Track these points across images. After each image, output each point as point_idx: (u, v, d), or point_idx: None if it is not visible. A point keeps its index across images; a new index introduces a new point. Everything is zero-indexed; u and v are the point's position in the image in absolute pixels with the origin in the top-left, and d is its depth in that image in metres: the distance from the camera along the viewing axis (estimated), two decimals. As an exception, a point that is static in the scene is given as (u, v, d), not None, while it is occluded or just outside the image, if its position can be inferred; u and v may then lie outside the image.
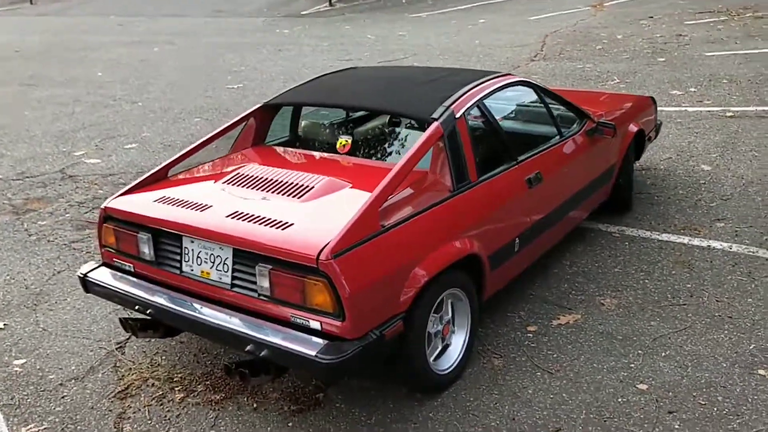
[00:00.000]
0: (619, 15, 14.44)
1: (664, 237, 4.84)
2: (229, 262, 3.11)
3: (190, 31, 16.99)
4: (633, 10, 14.81)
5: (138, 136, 8.47)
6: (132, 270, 3.50)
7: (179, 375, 3.60)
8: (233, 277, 3.10)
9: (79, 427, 3.24)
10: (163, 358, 3.78)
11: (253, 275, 3.02)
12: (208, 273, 3.19)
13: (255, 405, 3.33)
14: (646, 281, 4.27)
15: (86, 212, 6.04)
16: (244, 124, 4.24)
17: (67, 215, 5.98)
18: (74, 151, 7.90)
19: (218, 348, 3.83)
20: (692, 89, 8.55)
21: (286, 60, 12.55)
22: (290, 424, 3.18)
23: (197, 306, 3.20)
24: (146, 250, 3.38)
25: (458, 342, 3.42)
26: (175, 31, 16.89)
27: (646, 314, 3.91)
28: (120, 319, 3.43)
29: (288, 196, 3.29)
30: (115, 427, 3.23)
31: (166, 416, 3.29)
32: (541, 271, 4.40)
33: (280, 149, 4.17)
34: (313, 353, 2.77)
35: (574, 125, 4.46)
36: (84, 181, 6.85)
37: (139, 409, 3.35)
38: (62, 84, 11.56)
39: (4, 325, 4.20)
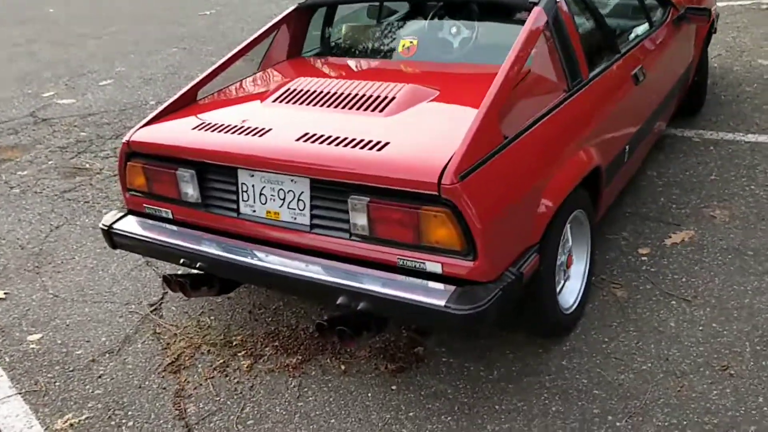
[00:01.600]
0: None
1: (751, 138, 4.29)
2: (306, 197, 2.45)
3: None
4: None
5: (111, 71, 7.58)
6: (170, 216, 2.82)
7: (238, 337, 2.98)
8: (313, 217, 2.45)
9: (130, 413, 2.62)
10: (212, 318, 3.14)
11: (343, 211, 2.37)
12: (276, 213, 2.53)
13: (343, 367, 2.73)
14: (752, 187, 3.73)
15: (72, 157, 5.26)
16: (274, 33, 3.49)
17: (51, 162, 5.19)
18: (42, 93, 7.01)
19: (276, 300, 3.20)
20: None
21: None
22: (394, 387, 2.60)
23: (263, 254, 2.55)
24: (190, 191, 2.70)
25: (578, 273, 2.85)
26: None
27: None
28: (164, 277, 2.76)
29: (364, 110, 2.62)
30: (176, 409, 2.62)
31: (236, 389, 2.68)
32: (628, 186, 3.83)
33: (323, 60, 3.46)
34: (442, 303, 2.16)
35: (660, 13, 3.81)
36: (61, 124, 6.02)
37: (200, 384, 2.73)
38: (13, 24, 10.41)
39: (5, 294, 3.50)
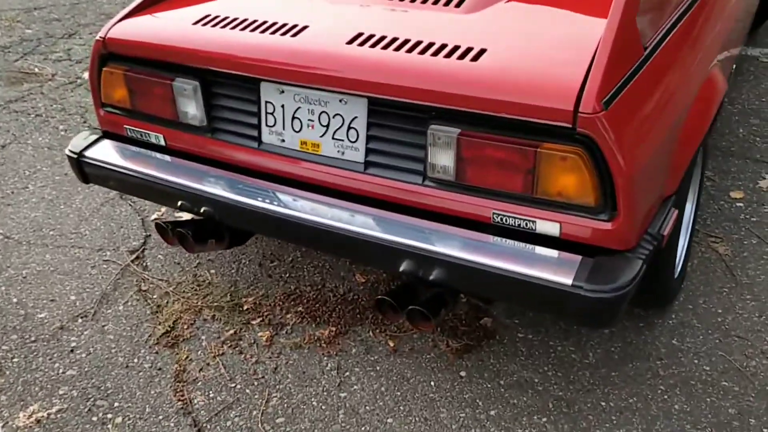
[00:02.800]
0: None
1: (829, 60, 3.72)
2: (362, 124, 1.78)
3: None
4: None
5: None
6: (162, 143, 2.12)
7: (248, 299, 2.34)
8: (370, 152, 1.79)
9: (116, 404, 1.99)
10: (212, 272, 2.48)
11: (416, 146, 1.72)
12: (315, 145, 1.86)
13: (392, 344, 2.13)
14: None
15: (16, 59, 4.38)
16: None
17: (-10, 65, 4.32)
18: (-25, -19, 5.93)
19: (291, 249, 2.56)
20: None
21: None
22: (463, 374, 2.02)
23: (294, 200, 1.90)
24: (191, 110, 2.00)
25: (684, 225, 2.27)
26: None
27: None
28: (157, 225, 2.08)
29: (433, 3, 1.93)
30: (178, 399, 1.99)
31: (255, 372, 2.06)
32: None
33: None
34: (568, 281, 1.55)
35: None
36: (2, 19, 5.07)
37: (207, 363, 2.10)
38: None
39: (-60, 232, 2.76)
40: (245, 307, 2.30)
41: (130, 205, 2.88)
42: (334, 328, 2.19)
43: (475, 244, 1.69)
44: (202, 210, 2.02)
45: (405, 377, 2.01)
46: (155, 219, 2.77)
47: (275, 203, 1.90)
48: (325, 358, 2.09)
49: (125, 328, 2.24)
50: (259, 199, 1.92)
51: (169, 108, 2.03)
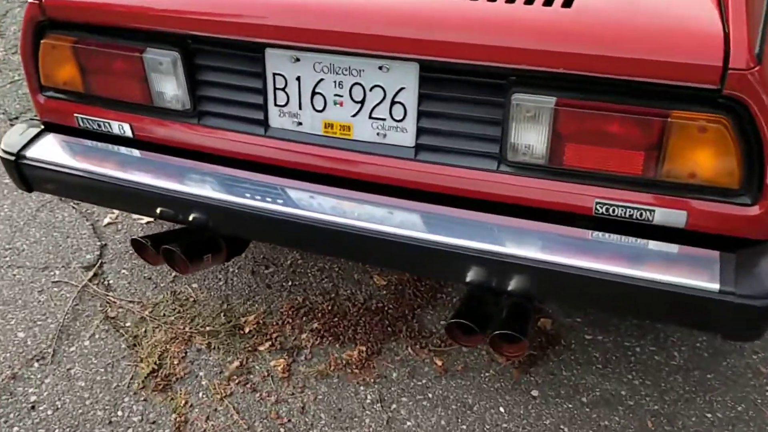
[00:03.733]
0: None
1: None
2: (410, 97, 1.37)
3: None
4: None
5: None
6: (129, 134, 1.64)
7: (249, 318, 1.91)
8: (423, 132, 1.38)
9: (102, 475, 1.54)
10: (195, 286, 2.03)
11: (489, 122, 1.33)
12: (345, 128, 1.44)
13: (439, 362, 1.76)
14: None
15: None
16: None
17: None
18: None
19: (289, 252, 2.13)
20: None
21: None
22: (536, 394, 1.67)
23: (320, 200, 1.48)
24: (170, 89, 1.54)
25: None
26: None
27: None
28: (134, 242, 1.61)
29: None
30: (185, 464, 1.56)
31: (278, 416, 1.65)
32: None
33: None
34: (715, 285, 1.20)
35: None
36: None
37: (214, 409, 1.67)
38: None
39: None
40: (247, 330, 1.87)
41: (73, 207, 2.37)
42: (363, 348, 1.79)
43: (573, 243, 1.33)
44: (190, 218, 1.57)
45: (466, 404, 1.64)
46: (108, 223, 2.28)
47: (293, 205, 1.47)
48: (362, 388, 1.70)
49: (98, 371, 1.78)
50: (270, 200, 1.49)
51: (137, 88, 1.56)
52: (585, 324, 1.83)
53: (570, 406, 1.62)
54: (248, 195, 1.50)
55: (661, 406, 1.61)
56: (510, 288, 1.36)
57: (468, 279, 1.38)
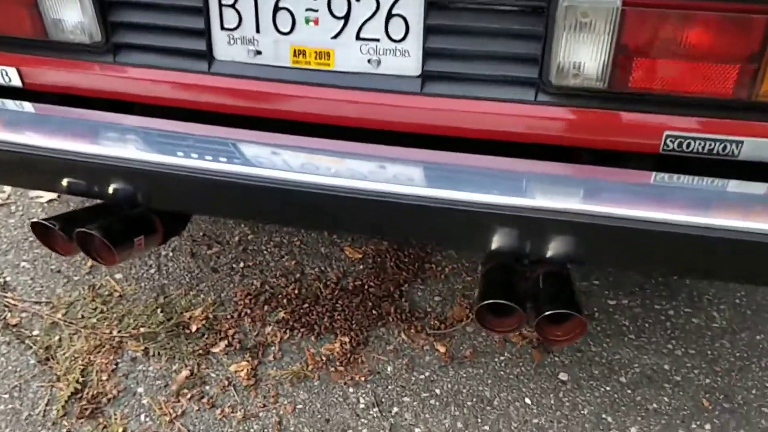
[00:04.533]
0: None
1: None
2: (413, 8, 1.00)
3: None
4: None
5: None
6: (17, 83, 1.21)
7: (195, 312, 1.52)
8: (430, 55, 1.02)
9: None
10: (119, 277, 1.61)
11: (523, 38, 0.99)
12: (323, 54, 1.06)
13: (442, 349, 1.43)
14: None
15: None
16: None
17: None
18: None
19: (233, 224, 1.74)
20: None
21: None
22: (565, 378, 1.38)
23: (294, 154, 1.11)
24: (71, 15, 1.11)
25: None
26: None
27: None
28: (35, 226, 1.19)
29: None
30: None
31: (246, 436, 1.29)
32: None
33: None
34: None
35: None
36: None
37: (160, 435, 1.29)
38: None
39: None
40: (194, 328, 1.48)
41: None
42: (346, 338, 1.44)
43: (634, 190, 1.02)
44: (110, 190, 1.16)
45: (484, 398, 1.33)
46: (36, 219, 1.81)
47: (253, 164, 1.09)
48: (352, 390, 1.35)
49: (0, 398, 1.35)
50: (223, 159, 1.10)
51: (24, 17, 1.12)
52: (604, 287, 1.55)
53: (608, 388, 1.34)
54: (190, 154, 1.11)
55: (713, 380, 1.35)
56: (550, 253, 1.04)
57: (496, 246, 1.05)
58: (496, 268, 1.17)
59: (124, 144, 1.15)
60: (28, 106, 1.22)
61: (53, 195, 1.85)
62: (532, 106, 1.02)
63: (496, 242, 1.05)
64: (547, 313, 1.04)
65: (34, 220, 1.19)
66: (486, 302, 1.06)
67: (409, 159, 1.09)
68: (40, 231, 1.21)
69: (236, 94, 1.12)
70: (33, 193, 1.84)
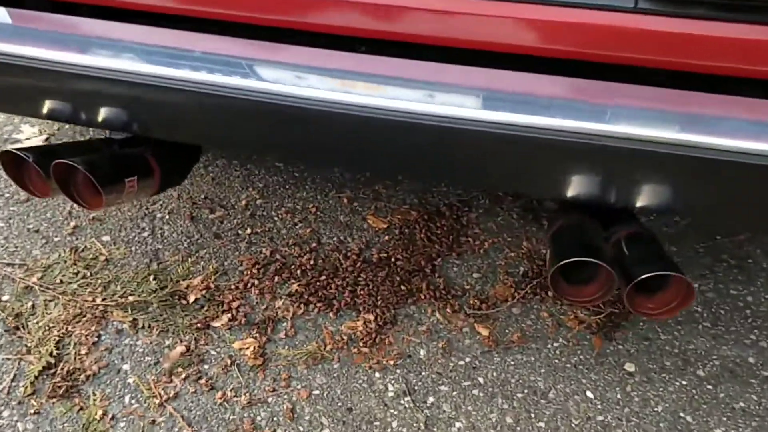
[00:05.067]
0: None
1: None
2: None
3: None
4: None
5: None
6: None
7: (193, 280, 1.30)
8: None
9: None
10: (106, 239, 1.39)
11: None
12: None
13: (485, 332, 1.21)
14: None
15: None
16: None
17: None
18: None
19: (243, 185, 1.52)
20: None
21: None
22: (631, 369, 1.16)
23: (342, 72, 0.90)
24: None
25: None
26: None
27: None
28: (5, 156, 0.97)
29: None
30: None
31: (253, 424, 1.06)
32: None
33: None
34: None
35: None
36: None
37: (153, 421, 1.06)
38: None
39: None
40: (191, 298, 1.26)
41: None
42: (370, 316, 1.22)
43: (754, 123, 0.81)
44: (99, 119, 0.95)
45: (537, 390, 1.11)
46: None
47: (297, 85, 0.88)
48: (378, 375, 1.14)
49: (-42, 373, 1.13)
50: (265, 72, 0.90)
51: None
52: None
53: (684, 382, 1.13)
54: (216, 68, 0.90)
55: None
56: (637, 202, 0.83)
57: (572, 191, 0.84)
58: (569, 226, 0.96)
59: (125, 54, 0.93)
60: (5, 15, 1.01)
61: (37, 139, 1.64)
62: (629, 15, 0.82)
63: (570, 187, 0.84)
64: (643, 276, 0.83)
65: (4, 149, 0.97)
66: (565, 261, 0.85)
67: (464, 85, 0.87)
68: (11, 163, 0.99)
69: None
70: (11, 136, 1.63)
